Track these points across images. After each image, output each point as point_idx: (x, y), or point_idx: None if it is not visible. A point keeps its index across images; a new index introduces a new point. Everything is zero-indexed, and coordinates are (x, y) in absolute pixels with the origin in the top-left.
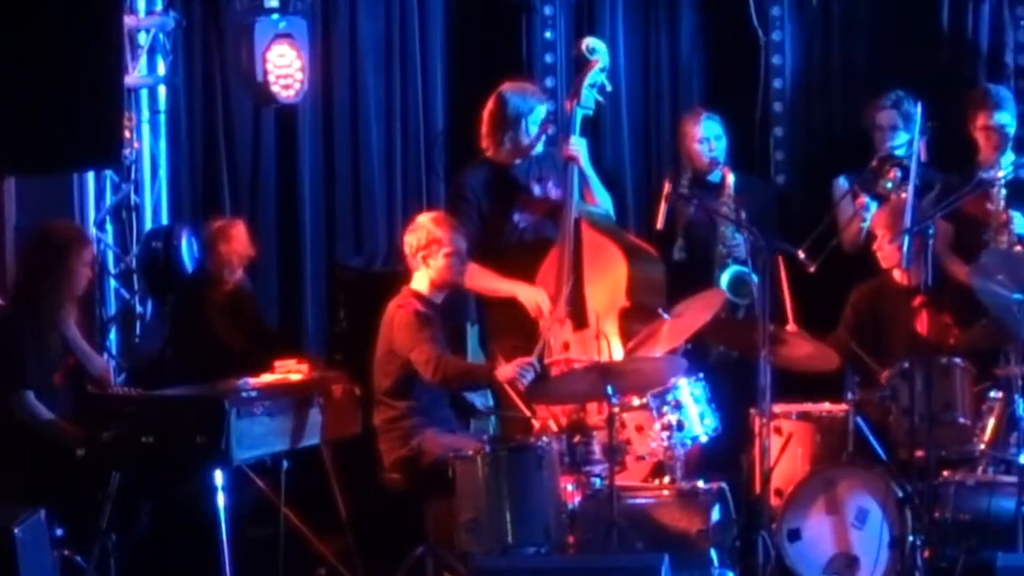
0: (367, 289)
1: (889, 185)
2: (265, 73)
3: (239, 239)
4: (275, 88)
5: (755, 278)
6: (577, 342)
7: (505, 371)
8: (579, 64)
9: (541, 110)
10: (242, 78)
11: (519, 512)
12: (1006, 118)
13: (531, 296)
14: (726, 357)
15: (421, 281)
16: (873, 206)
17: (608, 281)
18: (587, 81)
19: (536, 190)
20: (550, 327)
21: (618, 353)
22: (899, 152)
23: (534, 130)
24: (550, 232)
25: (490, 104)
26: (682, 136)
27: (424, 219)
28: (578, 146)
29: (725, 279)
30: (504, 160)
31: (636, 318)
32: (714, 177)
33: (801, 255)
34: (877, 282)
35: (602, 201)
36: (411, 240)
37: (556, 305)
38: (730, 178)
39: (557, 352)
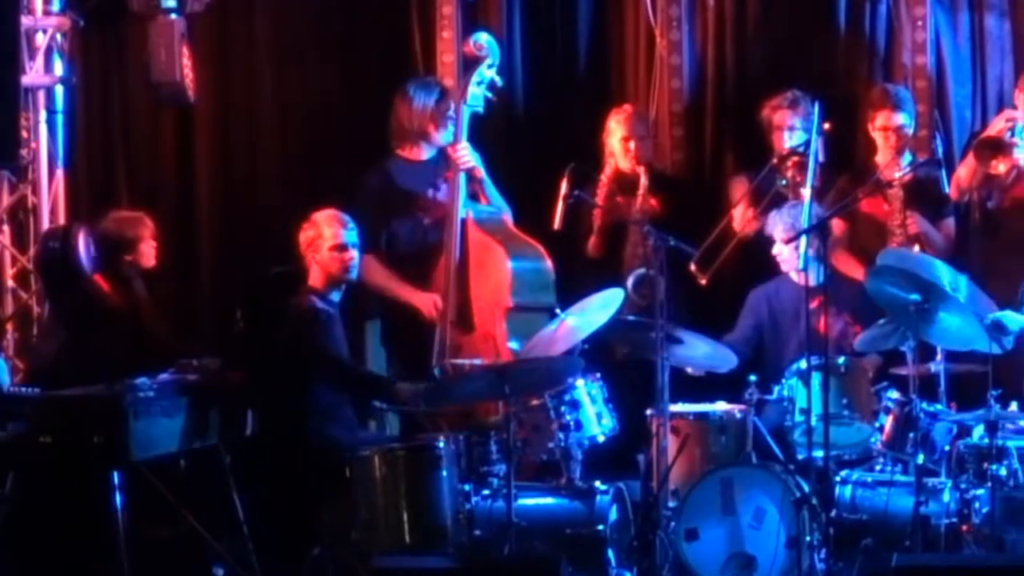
0: (264, 290)
1: (787, 183)
2: (182, 72)
3: (152, 229)
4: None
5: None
6: (467, 344)
7: (404, 392)
8: (469, 62)
9: (445, 103)
10: (156, 77)
11: (416, 512)
12: (904, 119)
13: (426, 302)
14: (631, 357)
15: (315, 278)
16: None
17: (493, 281)
18: (474, 79)
19: (442, 189)
20: (446, 331)
21: (506, 354)
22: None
23: (439, 123)
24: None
25: (396, 101)
26: (606, 132)
27: (315, 215)
28: (466, 146)
29: (630, 281)
30: (415, 156)
31: (528, 318)
32: (634, 175)
33: (692, 268)
34: (774, 283)
35: (495, 200)
36: (302, 237)
37: (448, 308)
38: (643, 179)
39: (449, 354)
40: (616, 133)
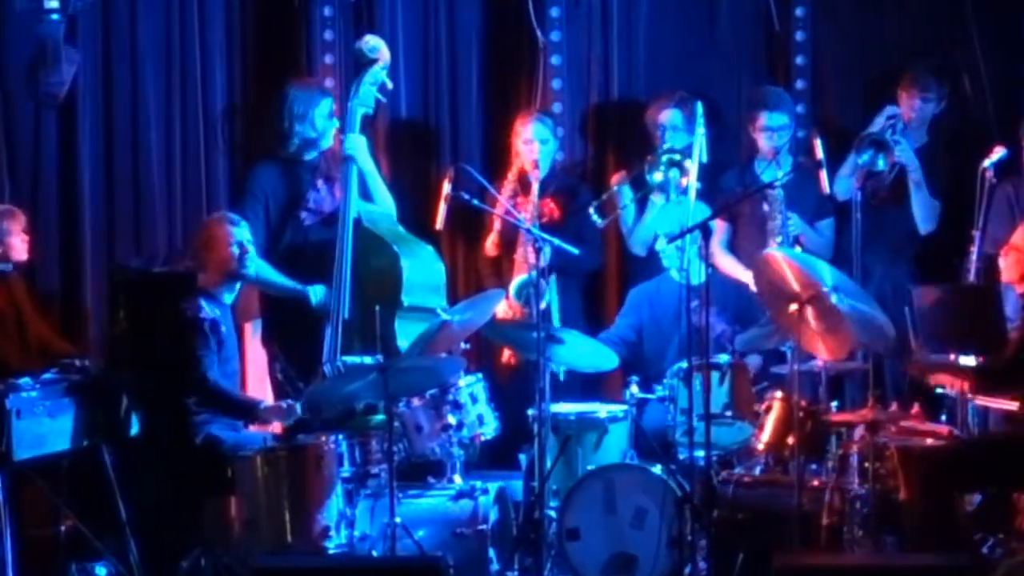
0: (146, 289)
1: (659, 178)
2: (69, 72)
3: (23, 222)
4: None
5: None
6: (358, 343)
7: (269, 413)
8: (360, 62)
9: (326, 104)
10: (44, 77)
11: (298, 512)
12: (785, 119)
13: (319, 296)
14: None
15: (209, 278)
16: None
17: (385, 281)
18: (367, 79)
19: (323, 189)
20: (337, 330)
21: (397, 354)
22: (678, 150)
23: (320, 123)
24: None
25: (277, 103)
26: (513, 133)
27: (206, 219)
28: (356, 144)
29: (514, 285)
30: (294, 156)
31: (420, 317)
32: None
33: (591, 211)
34: (655, 282)
35: (382, 200)
36: (196, 241)
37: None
38: (535, 183)
39: (340, 353)
40: (520, 135)
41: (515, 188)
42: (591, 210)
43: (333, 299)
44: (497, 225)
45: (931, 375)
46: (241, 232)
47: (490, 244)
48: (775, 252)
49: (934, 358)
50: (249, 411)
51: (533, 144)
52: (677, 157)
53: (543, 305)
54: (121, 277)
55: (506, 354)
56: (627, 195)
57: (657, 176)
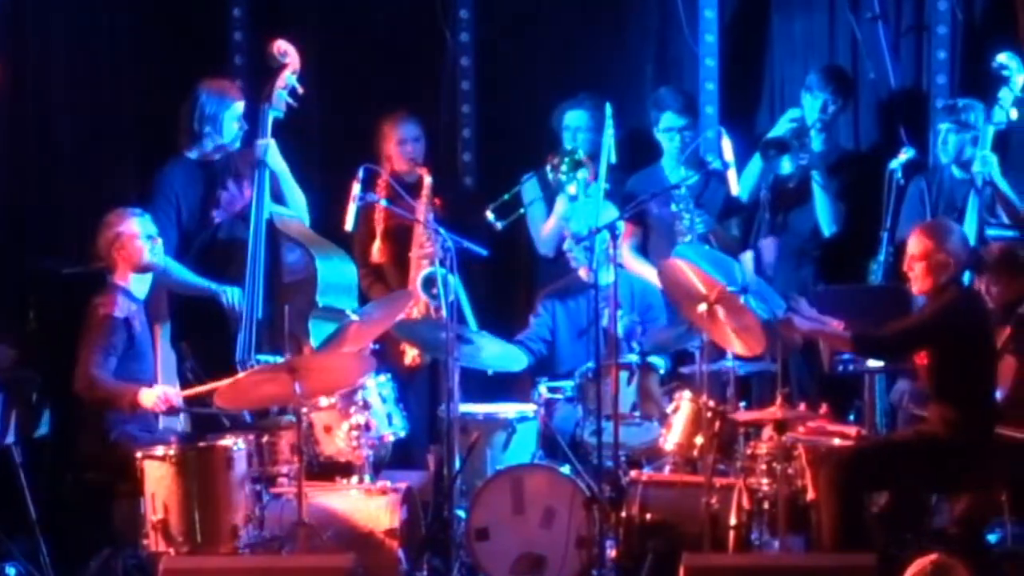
0: (58, 289)
1: (562, 178)
2: None
3: None
4: None
5: (450, 279)
6: (271, 343)
7: (147, 398)
8: (272, 66)
9: (237, 107)
10: None
11: (207, 511)
12: (686, 120)
13: (230, 296)
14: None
15: (121, 274)
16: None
17: (299, 282)
18: (279, 83)
19: (232, 188)
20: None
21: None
22: (581, 151)
23: (229, 126)
24: (246, 231)
25: (188, 101)
26: (381, 137)
27: (109, 217)
28: (267, 149)
29: (419, 280)
30: (202, 157)
31: (332, 318)
32: (411, 178)
33: (488, 213)
34: (564, 283)
35: (294, 202)
36: (103, 240)
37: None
38: (427, 179)
39: (253, 353)
40: (390, 137)
41: (390, 192)
42: (488, 212)
43: (247, 300)
44: (379, 230)
45: (806, 335)
46: (147, 224)
47: (376, 251)
48: (676, 259)
49: (810, 317)
50: (130, 402)
51: (408, 145)
52: (579, 157)
53: (451, 298)
54: (31, 277)
55: (410, 356)
56: (529, 195)
57: (560, 176)
